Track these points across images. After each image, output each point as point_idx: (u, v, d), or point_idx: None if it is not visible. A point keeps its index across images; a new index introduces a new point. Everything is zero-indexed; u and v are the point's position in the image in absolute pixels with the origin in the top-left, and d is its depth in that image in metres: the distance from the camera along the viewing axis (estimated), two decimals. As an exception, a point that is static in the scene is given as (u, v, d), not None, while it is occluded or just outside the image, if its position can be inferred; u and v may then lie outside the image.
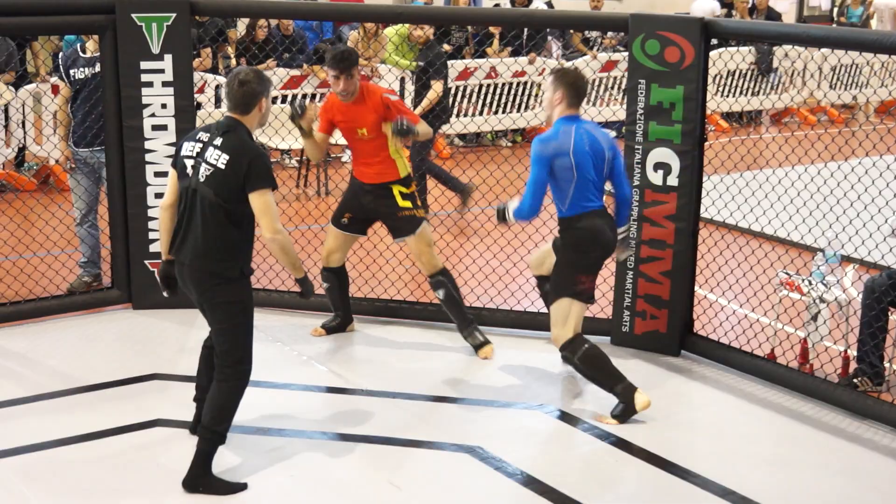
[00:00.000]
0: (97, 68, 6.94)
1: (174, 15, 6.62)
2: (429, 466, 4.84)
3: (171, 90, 6.70)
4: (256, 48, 11.33)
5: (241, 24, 12.80)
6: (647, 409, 5.34)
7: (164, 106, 6.70)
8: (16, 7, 6.74)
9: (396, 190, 6.22)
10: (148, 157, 6.74)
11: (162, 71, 6.66)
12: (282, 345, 6.31)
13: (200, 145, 4.58)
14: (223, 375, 4.61)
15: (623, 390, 5.37)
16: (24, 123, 10.36)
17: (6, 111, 10.17)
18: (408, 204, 6.25)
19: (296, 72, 11.70)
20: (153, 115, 6.71)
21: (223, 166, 4.48)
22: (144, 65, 6.63)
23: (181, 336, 6.51)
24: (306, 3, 8.33)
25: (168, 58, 6.65)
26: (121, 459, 4.86)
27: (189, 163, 4.59)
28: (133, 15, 6.56)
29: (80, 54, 7.11)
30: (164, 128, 6.72)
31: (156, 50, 6.62)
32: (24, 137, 10.42)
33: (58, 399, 5.53)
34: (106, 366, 5.96)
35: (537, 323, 6.47)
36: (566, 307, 5.41)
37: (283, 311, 6.88)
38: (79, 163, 7.19)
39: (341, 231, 6.38)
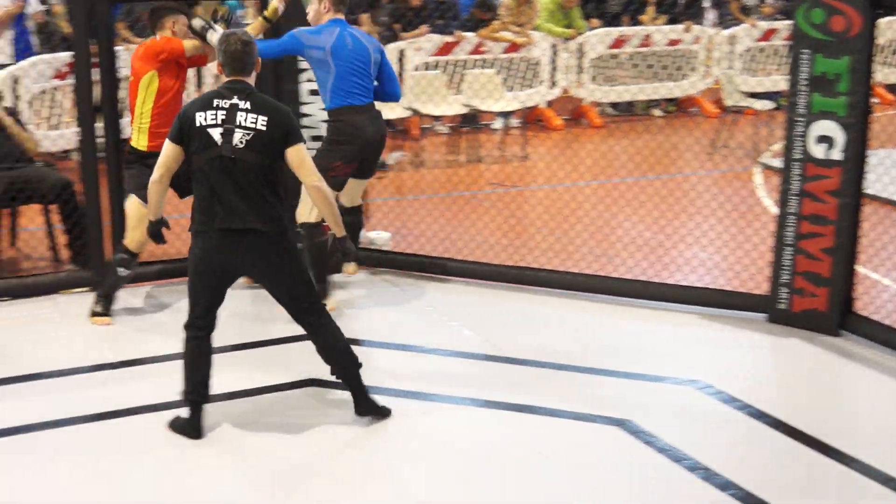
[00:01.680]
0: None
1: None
2: (578, 437, 4.77)
3: (328, 55, 6.73)
4: (412, 14, 11.36)
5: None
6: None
7: (324, 72, 6.75)
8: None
9: None
10: (304, 121, 6.81)
11: (320, 36, 6.70)
12: (431, 310, 6.32)
13: (224, 112, 4.50)
14: (321, 315, 4.73)
15: (319, 291, 5.66)
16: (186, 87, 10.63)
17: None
18: None
19: (449, 38, 11.67)
20: (309, 80, 6.77)
21: (263, 127, 4.47)
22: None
23: (340, 300, 6.58)
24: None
25: (324, 25, 6.68)
26: (274, 418, 4.94)
27: (216, 132, 4.48)
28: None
29: (241, 22, 7.26)
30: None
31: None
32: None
33: (218, 354, 5.64)
34: (256, 325, 6.06)
35: (691, 297, 6.33)
36: None
37: (432, 276, 6.89)
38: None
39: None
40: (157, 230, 4.84)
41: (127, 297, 6.33)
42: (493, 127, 11.77)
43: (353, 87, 5.95)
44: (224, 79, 4.62)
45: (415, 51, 11.48)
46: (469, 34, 11.71)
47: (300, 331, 4.79)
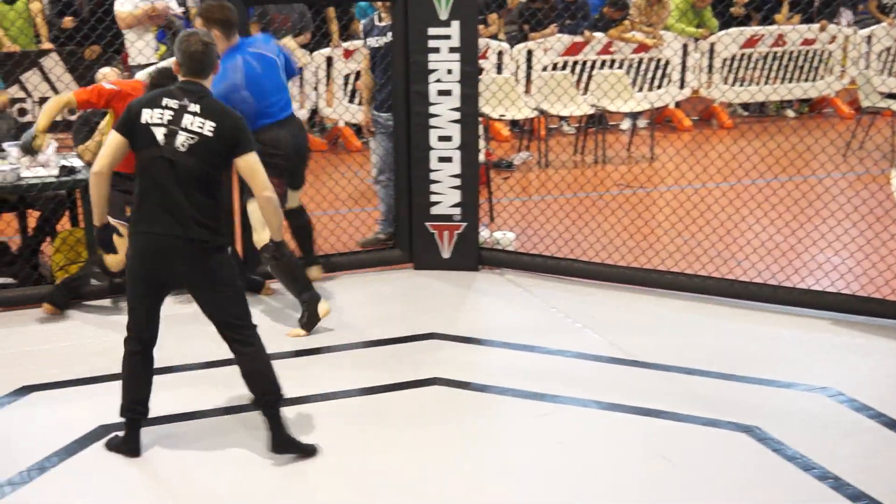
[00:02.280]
0: (389, 37, 7.13)
1: (466, -16, 6.70)
2: (703, 443, 4.69)
3: (456, 56, 6.78)
4: (541, 14, 11.35)
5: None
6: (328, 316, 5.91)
7: (449, 72, 6.80)
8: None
9: None
10: (432, 121, 6.87)
11: (448, 37, 6.74)
12: (556, 311, 6.29)
13: (171, 112, 4.30)
14: (250, 340, 4.43)
15: (309, 299, 5.86)
16: (317, 86, 10.81)
17: (301, 74, 10.62)
18: None
19: (578, 38, 11.61)
20: (438, 80, 6.82)
21: (210, 133, 4.27)
22: (432, 31, 6.74)
23: (459, 298, 6.63)
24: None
25: (455, 24, 6.73)
26: (399, 415, 4.97)
27: (160, 131, 4.28)
28: (424, -18, 6.70)
29: (376, 23, 7.33)
30: (448, 93, 6.82)
31: (444, 16, 6.71)
32: (317, 100, 10.88)
33: (344, 352, 5.74)
34: (387, 323, 6.13)
35: (823, 302, 6.17)
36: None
37: (556, 277, 6.87)
38: (378, 125, 7.44)
39: None
40: (106, 237, 4.56)
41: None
42: (621, 127, 11.67)
43: (269, 106, 5.96)
44: (180, 78, 4.45)
45: (543, 51, 11.45)
46: (598, 34, 11.63)
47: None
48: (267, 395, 4.43)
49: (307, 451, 4.49)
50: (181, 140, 4.26)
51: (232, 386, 4.79)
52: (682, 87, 12.08)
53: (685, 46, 11.97)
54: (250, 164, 4.37)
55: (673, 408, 4.98)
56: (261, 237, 5.83)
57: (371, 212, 7.96)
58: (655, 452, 4.57)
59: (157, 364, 4.54)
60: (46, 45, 9.94)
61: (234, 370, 4.47)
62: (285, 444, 4.47)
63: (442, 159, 6.91)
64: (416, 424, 4.86)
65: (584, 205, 7.64)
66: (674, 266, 6.79)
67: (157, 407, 4.58)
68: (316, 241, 6.65)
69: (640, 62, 11.82)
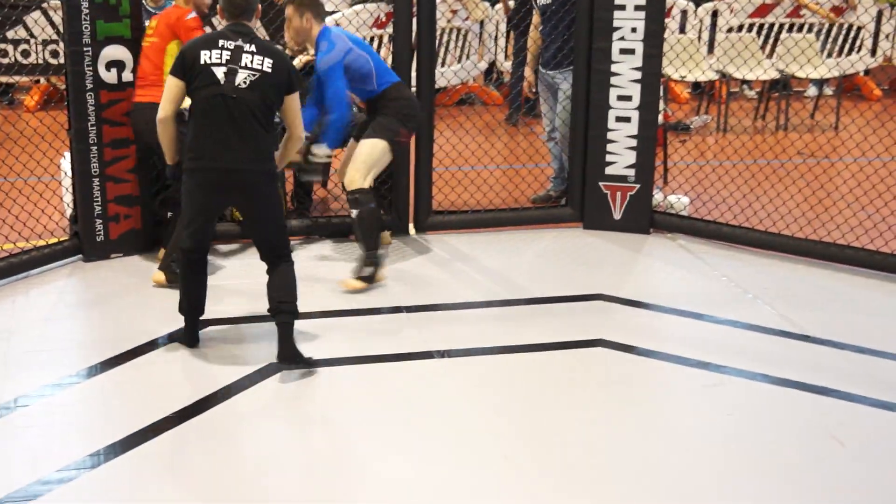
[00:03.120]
0: None
1: (648, -63, 6.55)
2: (876, 426, 4.51)
3: (642, 14, 6.64)
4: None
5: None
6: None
7: (633, 30, 6.67)
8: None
9: None
10: (613, 80, 6.76)
11: (634, -7, 6.63)
12: (727, 280, 6.15)
13: (228, 52, 4.60)
14: (285, 259, 4.78)
15: (378, 258, 5.85)
16: (497, 39, 10.78)
17: (482, 25, 10.60)
18: None
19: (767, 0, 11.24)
20: (622, 38, 6.70)
21: (269, 69, 4.61)
22: (613, -10, 6.63)
23: (628, 260, 6.55)
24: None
25: (643, -19, 6.60)
26: (564, 374, 4.95)
27: (220, 70, 4.58)
28: (611, -63, 6.57)
29: None
30: (631, 52, 6.70)
31: (631, -27, 6.59)
32: (497, 53, 10.86)
33: (508, 307, 5.74)
34: (554, 281, 6.11)
35: None
36: (380, 151, 5.89)
37: (729, 245, 6.70)
38: (542, 84, 7.41)
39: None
40: (178, 173, 4.90)
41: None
42: (806, 94, 11.27)
43: (384, 66, 6.11)
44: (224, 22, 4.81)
45: (729, 12, 11.13)
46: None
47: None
48: (284, 304, 4.73)
49: (309, 364, 4.77)
50: (242, 77, 4.58)
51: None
52: (873, 54, 11.57)
53: (880, 13, 11.44)
54: (294, 105, 4.78)
55: (845, 387, 4.80)
56: (358, 178, 5.87)
57: (544, 168, 7.91)
58: (825, 432, 4.42)
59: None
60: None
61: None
62: (291, 356, 4.73)
63: (619, 119, 6.81)
64: (580, 385, 4.82)
65: (763, 172, 7.43)
66: (854, 241, 6.52)
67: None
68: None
69: (830, 27, 11.37)
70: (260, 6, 5.18)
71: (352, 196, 5.89)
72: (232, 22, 4.72)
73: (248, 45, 4.63)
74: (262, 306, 4.87)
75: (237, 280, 5.91)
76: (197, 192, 4.70)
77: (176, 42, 5.81)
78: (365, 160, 5.89)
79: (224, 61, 4.59)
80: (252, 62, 4.60)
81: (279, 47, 4.78)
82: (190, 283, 4.93)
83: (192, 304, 4.95)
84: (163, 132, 4.82)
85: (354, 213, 5.87)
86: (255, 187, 4.68)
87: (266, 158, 4.70)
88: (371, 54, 6.01)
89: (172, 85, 4.70)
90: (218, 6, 4.83)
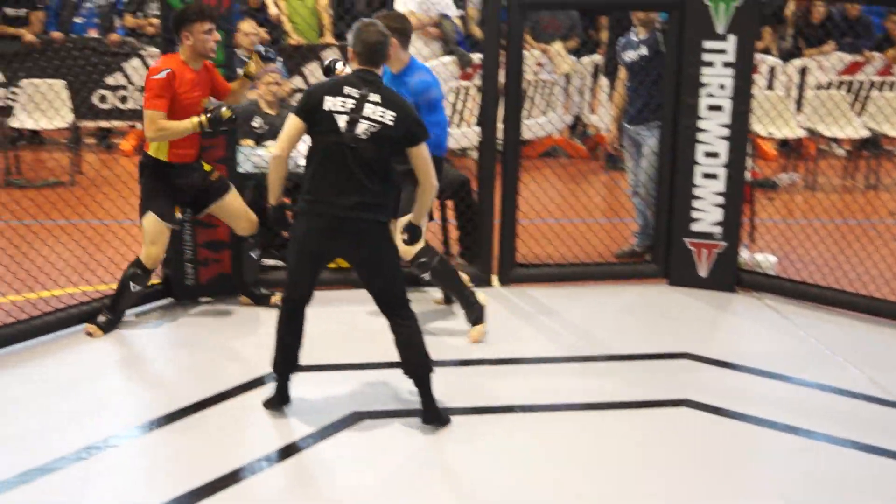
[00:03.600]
0: (643, 51, 7.11)
1: (745, -3, 6.53)
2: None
3: (730, 71, 6.60)
4: (811, 30, 10.95)
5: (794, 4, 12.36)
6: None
7: (721, 87, 6.62)
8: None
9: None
10: (699, 136, 6.71)
11: (724, 52, 6.57)
12: (815, 342, 6.02)
13: (353, 101, 4.48)
14: (407, 316, 4.64)
15: (472, 294, 5.88)
16: (582, 92, 10.79)
17: (568, 79, 10.62)
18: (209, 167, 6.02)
19: (858, 57, 11.09)
20: (710, 94, 6.65)
21: (391, 122, 4.48)
22: (707, 45, 6.58)
23: (714, 318, 6.46)
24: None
25: (732, 39, 6.55)
26: (648, 434, 4.88)
27: (342, 119, 4.47)
28: (703, -5, 6.56)
29: (632, 38, 7.27)
30: (719, 108, 6.65)
31: (721, 30, 6.55)
32: (582, 106, 10.86)
33: (590, 363, 5.68)
34: (638, 337, 6.04)
35: None
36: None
37: (818, 306, 6.57)
38: (627, 138, 7.41)
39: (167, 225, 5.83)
40: (279, 215, 4.78)
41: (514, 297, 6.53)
42: (898, 152, 11.10)
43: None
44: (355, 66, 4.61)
45: (819, 69, 11.01)
46: (878, 54, 11.08)
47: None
48: (419, 369, 4.65)
49: (445, 422, 4.75)
50: (363, 128, 4.47)
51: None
52: (967, 114, 11.34)
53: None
54: (423, 154, 4.58)
55: (938, 458, 4.67)
56: (406, 248, 5.61)
57: (628, 223, 7.87)
58: (915, 503, 4.31)
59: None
60: (328, 39, 10.33)
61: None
62: (434, 416, 4.71)
63: (706, 175, 6.75)
64: (665, 445, 4.75)
65: (853, 232, 7.28)
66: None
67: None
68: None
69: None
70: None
71: (417, 263, 5.78)
72: (361, 68, 4.59)
73: (372, 94, 4.52)
74: (347, 352, 4.89)
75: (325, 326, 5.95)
76: (306, 237, 4.61)
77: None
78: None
79: (347, 110, 4.50)
80: (374, 113, 4.49)
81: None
82: (286, 335, 4.75)
83: (288, 358, 4.77)
84: (273, 169, 4.69)
85: (427, 275, 5.84)
86: (366, 237, 4.57)
87: (379, 209, 4.58)
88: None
89: (293, 125, 4.60)
90: (349, 49, 4.66)
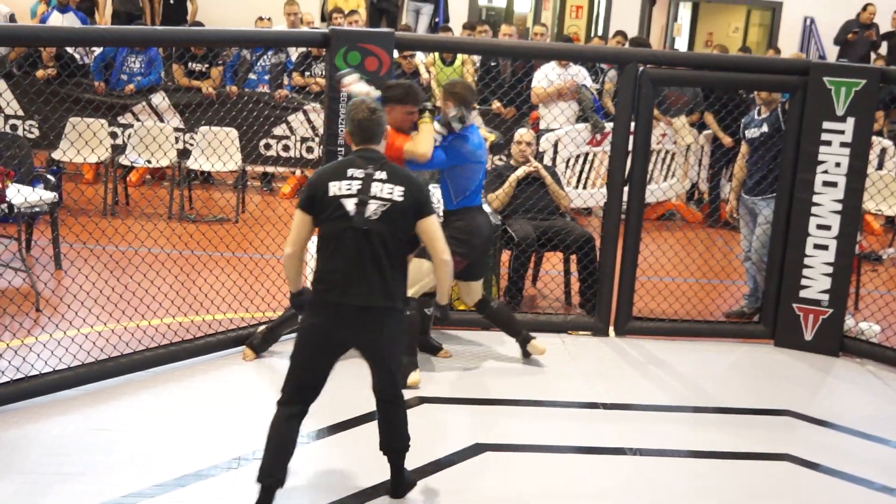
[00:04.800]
0: (765, 129, 6.99)
1: (864, 81, 6.36)
2: None
3: (846, 150, 6.43)
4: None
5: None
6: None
7: (837, 165, 6.46)
8: (715, 62, 7.07)
9: None
10: (813, 209, 6.55)
11: (842, 132, 6.42)
12: None
13: (359, 182, 3.99)
14: (399, 399, 4.21)
15: (527, 335, 6.03)
16: (701, 160, 10.66)
17: (688, 150, 10.51)
18: None
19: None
20: (826, 171, 6.50)
21: (401, 198, 4.00)
22: (826, 125, 6.44)
23: (817, 380, 6.27)
24: None
25: (850, 120, 6.40)
26: (749, 485, 4.74)
27: (350, 202, 3.96)
28: (825, 78, 6.42)
29: (755, 116, 7.18)
30: (833, 185, 6.49)
31: (840, 112, 6.40)
32: (698, 174, 10.73)
33: (698, 414, 5.57)
34: (744, 393, 5.90)
35: None
36: (424, 271, 5.41)
37: None
38: (743, 207, 7.29)
39: None
40: (301, 302, 4.13)
41: (626, 346, 6.46)
42: None
43: (477, 189, 5.68)
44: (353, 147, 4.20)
45: (928, 152, 10.65)
46: None
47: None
48: (400, 446, 4.24)
49: (414, 484, 4.35)
50: (372, 208, 3.99)
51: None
52: None
53: None
54: (432, 226, 4.12)
55: None
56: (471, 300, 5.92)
57: (739, 286, 7.71)
58: None
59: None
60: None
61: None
62: (404, 488, 4.32)
63: (817, 246, 6.58)
64: (765, 497, 4.63)
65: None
66: None
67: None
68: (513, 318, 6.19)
69: None
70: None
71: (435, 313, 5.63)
72: (360, 147, 4.14)
73: (378, 171, 4.04)
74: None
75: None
76: (319, 331, 4.04)
77: None
78: (412, 275, 5.25)
79: (354, 192, 3.99)
80: (382, 191, 4.00)
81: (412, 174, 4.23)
82: (280, 442, 4.01)
83: (277, 469, 3.99)
84: (288, 267, 4.13)
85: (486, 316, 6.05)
86: (383, 325, 4.05)
87: (395, 296, 4.05)
88: (481, 173, 5.69)
89: (299, 220, 4.08)
90: (345, 130, 4.41)
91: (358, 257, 3.97)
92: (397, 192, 4.01)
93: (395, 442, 4.22)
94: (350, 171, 4.03)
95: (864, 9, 13.41)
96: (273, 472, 3.97)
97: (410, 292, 5.29)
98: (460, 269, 5.54)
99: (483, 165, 5.75)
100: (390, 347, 4.14)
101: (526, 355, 6.08)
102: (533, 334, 6.11)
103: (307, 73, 10.41)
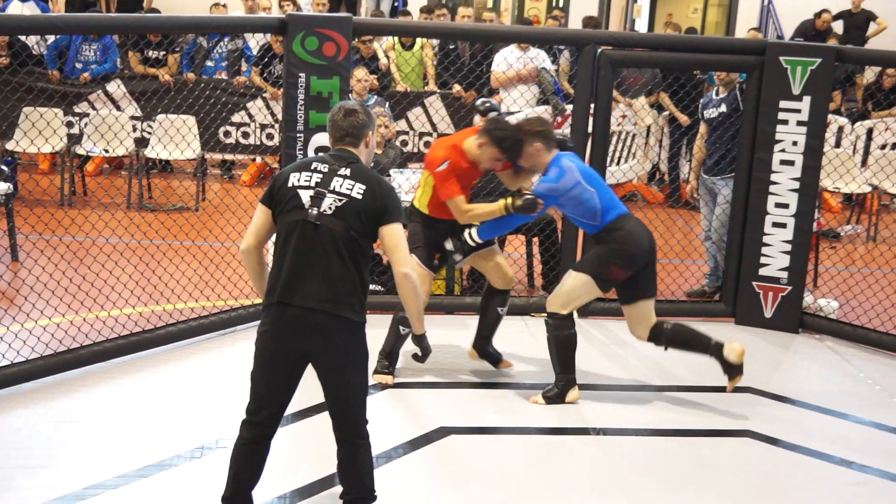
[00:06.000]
0: (723, 108, 7.08)
1: (819, 60, 6.44)
2: None
3: (803, 129, 6.53)
4: (882, 95, 10.74)
5: (870, 71, 12.13)
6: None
7: (794, 143, 6.55)
8: (673, 42, 7.11)
9: None
10: (771, 188, 6.63)
11: (798, 111, 6.50)
12: (873, 383, 5.90)
13: (320, 175, 3.68)
14: (361, 437, 3.71)
15: (567, 382, 5.32)
16: (662, 142, 10.73)
17: (648, 131, 10.57)
18: None
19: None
20: (783, 150, 6.58)
21: (359, 196, 3.63)
22: (783, 104, 6.52)
23: (777, 357, 6.37)
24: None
25: (806, 99, 6.48)
26: (709, 461, 4.82)
27: (306, 193, 3.65)
28: (781, 58, 6.49)
29: (713, 96, 7.25)
30: (790, 163, 6.57)
31: (796, 91, 6.48)
32: (658, 155, 10.80)
33: (660, 392, 5.64)
34: (705, 371, 5.90)
35: None
36: (581, 284, 5.24)
37: (876, 350, 6.43)
38: (703, 188, 7.36)
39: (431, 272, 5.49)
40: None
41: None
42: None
43: (613, 198, 5.35)
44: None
45: (885, 129, 10.80)
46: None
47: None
48: (353, 494, 3.76)
49: None
50: (328, 202, 3.64)
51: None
52: None
53: None
54: (397, 234, 3.68)
55: None
56: (555, 301, 5.31)
57: (700, 265, 7.79)
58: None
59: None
60: (431, 87, 10.43)
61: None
62: None
63: (776, 224, 6.67)
64: (725, 473, 4.70)
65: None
66: None
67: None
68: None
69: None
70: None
71: (548, 319, 5.35)
72: (336, 147, 3.83)
73: (343, 168, 3.72)
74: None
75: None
76: (269, 337, 3.66)
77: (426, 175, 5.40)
78: (568, 291, 5.28)
79: (313, 184, 3.69)
80: (342, 186, 3.67)
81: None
82: (242, 467, 3.74)
83: (240, 496, 3.76)
84: (246, 264, 3.86)
85: (548, 334, 5.37)
86: (333, 336, 3.61)
87: (350, 304, 3.62)
88: (599, 187, 5.34)
89: (258, 213, 3.79)
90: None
91: (306, 254, 3.62)
92: (357, 190, 3.66)
93: (353, 490, 3.75)
94: (315, 165, 3.75)
95: (819, 15, 13.39)
96: (234, 501, 3.75)
97: (566, 309, 5.24)
98: (620, 280, 5.28)
99: (590, 180, 5.32)
100: (344, 369, 3.66)
101: (725, 366, 5.37)
102: (721, 340, 5.41)
103: (264, 74, 10.24)
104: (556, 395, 5.34)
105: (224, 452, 4.43)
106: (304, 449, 4.66)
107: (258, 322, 3.71)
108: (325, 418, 3.77)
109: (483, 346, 5.79)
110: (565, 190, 5.23)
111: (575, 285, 5.29)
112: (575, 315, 5.34)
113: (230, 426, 4.66)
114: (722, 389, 5.58)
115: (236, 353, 5.79)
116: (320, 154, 3.94)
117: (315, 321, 3.58)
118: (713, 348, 5.35)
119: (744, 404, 5.50)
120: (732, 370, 5.35)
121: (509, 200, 5.25)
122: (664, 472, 4.66)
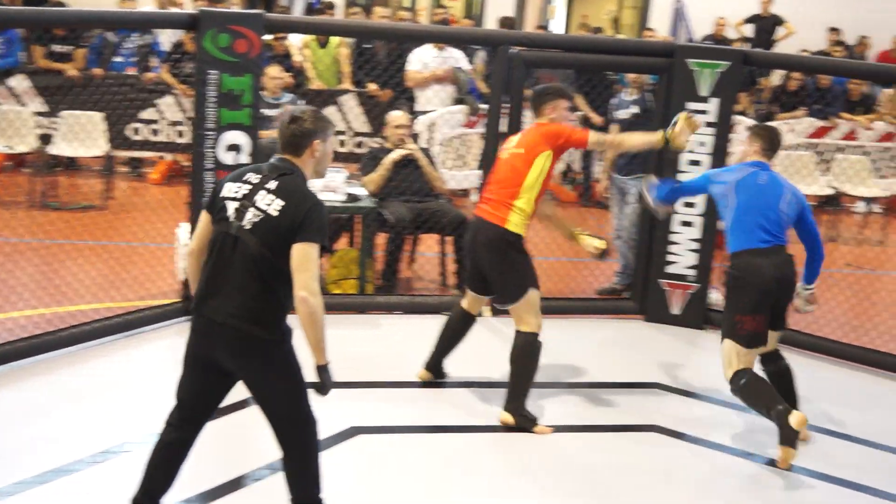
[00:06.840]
0: (634, 109, 7.26)
1: (728, 64, 6.59)
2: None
3: (711, 130, 6.67)
4: (786, 97, 11.04)
5: (777, 75, 12.45)
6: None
7: (702, 144, 6.69)
8: (586, 44, 7.20)
9: None
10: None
11: (705, 112, 6.64)
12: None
13: (249, 187, 3.58)
14: (301, 440, 3.69)
15: (778, 413, 4.74)
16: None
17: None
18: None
19: (824, 122, 11.16)
20: (690, 151, 6.70)
21: (275, 213, 3.50)
22: (691, 105, 6.63)
23: (684, 353, 6.49)
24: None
25: (714, 101, 6.63)
26: (617, 455, 4.90)
27: (232, 205, 3.57)
28: (689, 60, 6.63)
29: (623, 98, 7.39)
30: (697, 163, 6.71)
31: (703, 93, 6.62)
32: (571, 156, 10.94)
33: (571, 389, 5.70)
34: (614, 367, 6.07)
35: None
36: (728, 351, 5.01)
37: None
38: (614, 187, 7.49)
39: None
40: None
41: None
42: (855, 210, 11.14)
43: (753, 225, 4.99)
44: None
45: (790, 131, 11.08)
46: (841, 121, 11.16)
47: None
48: (303, 501, 3.74)
49: None
50: (249, 217, 3.54)
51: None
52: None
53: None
54: (305, 254, 3.49)
55: (879, 485, 4.71)
56: (725, 375, 5.04)
57: (611, 263, 7.89)
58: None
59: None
60: (346, 86, 10.40)
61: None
62: None
63: (683, 223, 6.81)
64: (632, 467, 4.79)
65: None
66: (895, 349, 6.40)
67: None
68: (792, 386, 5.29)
69: (884, 150, 11.25)
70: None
71: (732, 389, 5.02)
72: (279, 156, 3.69)
73: (272, 181, 3.59)
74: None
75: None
76: (188, 340, 3.66)
77: (546, 154, 5.19)
78: (722, 361, 5.06)
79: (240, 196, 3.59)
80: (263, 201, 3.55)
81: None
82: (157, 467, 3.70)
83: (148, 497, 3.71)
84: (189, 265, 3.79)
85: (738, 397, 5.02)
86: (247, 357, 3.55)
87: (262, 322, 3.52)
88: (749, 207, 5.02)
89: (200, 218, 3.75)
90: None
91: (224, 267, 3.55)
92: (275, 206, 3.52)
93: (294, 495, 3.70)
94: (248, 175, 3.64)
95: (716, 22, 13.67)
96: (143, 496, 3.70)
97: (729, 372, 4.96)
98: (757, 327, 4.99)
99: (748, 196, 5.04)
100: (261, 384, 3.60)
101: (785, 434, 4.79)
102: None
103: (175, 72, 10.09)
104: (786, 434, 4.76)
105: (130, 457, 4.38)
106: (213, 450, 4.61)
107: (165, 323, 3.68)
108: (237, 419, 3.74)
109: (440, 365, 5.64)
110: (706, 178, 5.36)
111: (725, 354, 5.05)
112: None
113: (136, 430, 4.63)
114: (630, 386, 5.68)
115: (143, 355, 5.70)
116: (260, 164, 3.76)
117: (224, 335, 3.53)
118: (781, 409, 4.80)
119: (651, 399, 5.60)
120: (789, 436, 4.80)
121: (669, 131, 5.24)
122: (571, 468, 4.73)
